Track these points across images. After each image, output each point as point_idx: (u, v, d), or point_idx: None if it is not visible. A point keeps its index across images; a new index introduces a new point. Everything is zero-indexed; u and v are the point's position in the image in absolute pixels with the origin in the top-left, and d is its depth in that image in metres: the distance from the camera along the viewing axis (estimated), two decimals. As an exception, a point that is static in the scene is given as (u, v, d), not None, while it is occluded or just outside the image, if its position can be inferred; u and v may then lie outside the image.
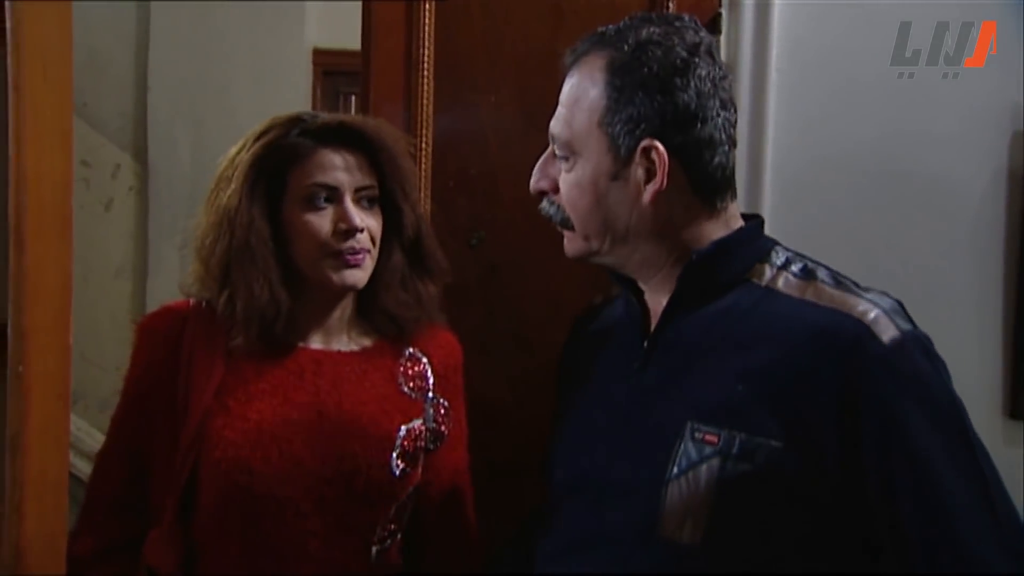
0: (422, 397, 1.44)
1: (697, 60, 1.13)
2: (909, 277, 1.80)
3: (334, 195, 1.35)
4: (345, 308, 1.43)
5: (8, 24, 1.15)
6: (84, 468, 3.24)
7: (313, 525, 1.32)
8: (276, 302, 1.33)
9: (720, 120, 1.14)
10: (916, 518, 1.02)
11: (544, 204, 1.23)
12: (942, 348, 1.64)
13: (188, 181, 3.58)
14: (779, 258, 1.17)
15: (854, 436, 1.03)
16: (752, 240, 1.19)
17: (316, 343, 1.41)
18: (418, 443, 1.39)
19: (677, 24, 1.16)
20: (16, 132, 1.26)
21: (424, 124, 1.81)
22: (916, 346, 1.07)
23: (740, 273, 1.15)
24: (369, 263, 1.37)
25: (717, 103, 1.14)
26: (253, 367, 1.37)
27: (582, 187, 1.16)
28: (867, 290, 1.12)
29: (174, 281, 4.06)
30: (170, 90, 3.59)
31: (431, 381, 1.45)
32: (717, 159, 1.15)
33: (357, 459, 1.34)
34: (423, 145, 1.80)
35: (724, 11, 1.83)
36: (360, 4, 1.85)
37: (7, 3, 1.14)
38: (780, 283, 1.13)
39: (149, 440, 1.36)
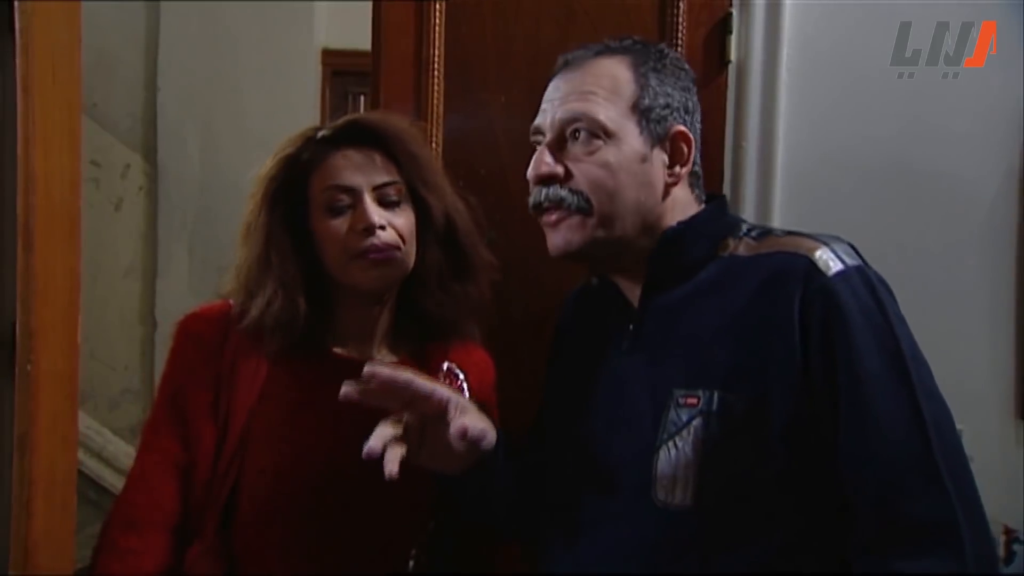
0: None
1: (690, 72, 1.28)
2: (919, 276, 1.79)
3: (353, 196, 1.33)
4: (383, 317, 1.41)
5: (17, 25, 1.16)
6: (92, 466, 3.27)
7: (351, 534, 1.31)
8: (293, 310, 1.32)
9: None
10: (849, 439, 1.05)
11: (546, 191, 1.20)
12: (952, 348, 1.64)
13: (197, 181, 3.59)
14: (742, 230, 1.23)
15: (808, 366, 1.07)
16: (716, 218, 1.25)
17: (356, 352, 1.39)
18: None
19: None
20: (25, 132, 1.27)
21: (434, 124, 1.80)
22: (860, 278, 1.10)
23: (710, 249, 1.20)
24: (400, 261, 1.34)
25: (700, 115, 1.28)
26: (293, 376, 1.35)
27: (612, 169, 1.18)
28: (819, 233, 1.17)
29: (183, 281, 4.07)
30: (180, 90, 3.60)
31: (468, 396, 1.44)
32: (699, 155, 1.26)
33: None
34: (433, 145, 1.80)
35: (735, 10, 1.83)
36: (370, 4, 1.85)
37: (16, 4, 1.15)
38: (741, 248, 1.19)
39: (189, 449, 1.32)
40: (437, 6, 1.80)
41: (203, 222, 3.56)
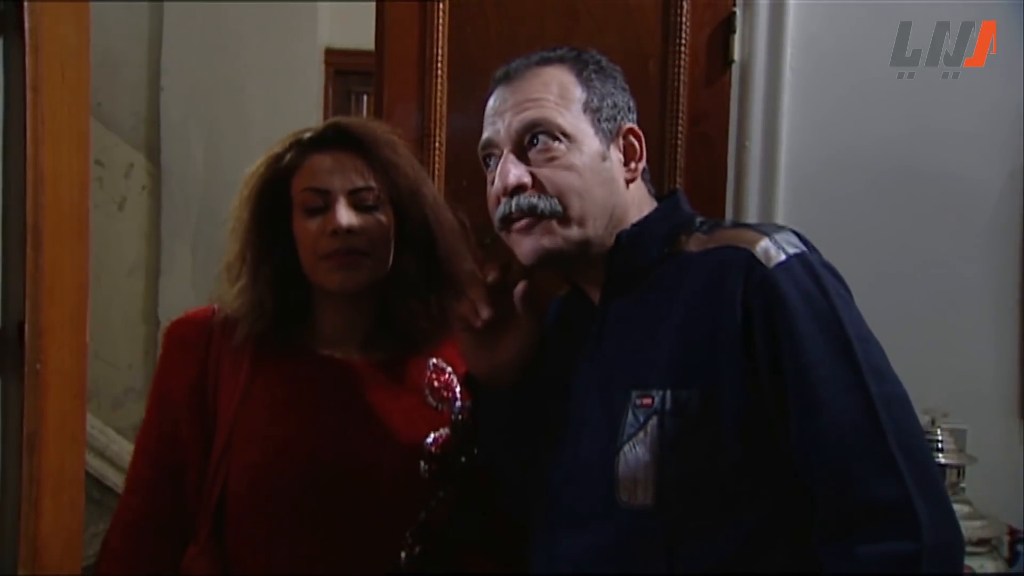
0: (449, 407, 1.43)
1: (623, 74, 1.28)
2: (923, 277, 1.79)
3: (327, 199, 1.34)
4: (367, 317, 1.42)
5: (26, 25, 1.16)
6: (97, 466, 3.27)
7: (341, 531, 1.31)
8: (259, 301, 1.34)
9: None
10: (799, 427, 1.05)
11: (516, 201, 1.19)
12: (956, 349, 1.64)
13: (201, 180, 3.60)
14: (695, 224, 1.23)
15: (753, 358, 1.07)
16: (670, 215, 1.25)
17: (340, 352, 1.40)
18: (445, 449, 1.39)
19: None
20: (33, 132, 1.27)
21: (438, 124, 1.81)
22: (801, 266, 1.11)
23: (663, 247, 1.21)
24: (368, 266, 1.35)
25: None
26: (279, 375, 1.37)
27: (578, 170, 1.18)
28: (764, 224, 1.20)
29: (187, 280, 4.08)
30: (183, 90, 3.61)
31: (458, 390, 1.45)
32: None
33: (384, 467, 1.33)
34: (437, 145, 1.80)
35: (739, 10, 1.83)
36: (373, 4, 1.85)
37: (25, 4, 1.15)
38: (691, 244, 1.19)
39: (180, 451, 1.34)
40: (440, 6, 1.80)
41: (206, 221, 3.57)
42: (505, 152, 1.20)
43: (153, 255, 3.65)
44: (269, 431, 1.32)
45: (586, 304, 1.27)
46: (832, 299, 1.09)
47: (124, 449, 3.36)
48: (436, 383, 1.43)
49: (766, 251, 1.11)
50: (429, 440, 1.38)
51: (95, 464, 3.27)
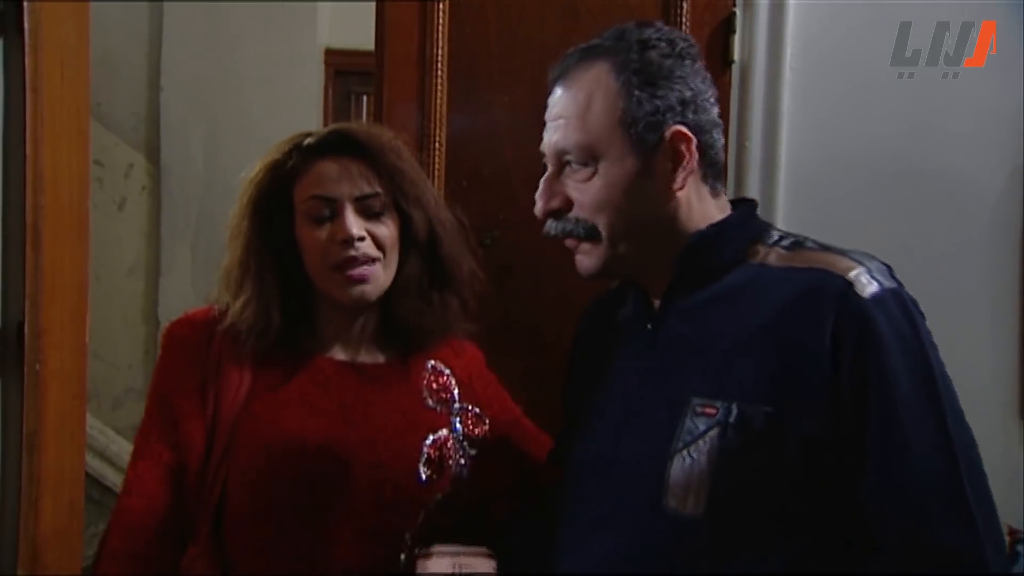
0: (447, 409, 1.44)
1: (694, 51, 1.20)
2: (923, 276, 1.77)
3: (334, 207, 1.34)
4: (368, 320, 1.42)
5: (26, 25, 1.16)
6: (96, 465, 3.27)
7: (342, 533, 1.31)
8: (267, 318, 1.34)
9: (716, 105, 1.21)
10: (876, 464, 1.04)
11: (554, 225, 1.21)
12: (956, 349, 1.63)
13: (201, 181, 3.60)
14: (772, 237, 1.20)
15: (837, 387, 1.06)
16: (745, 222, 1.23)
17: (340, 355, 1.41)
18: (444, 451, 1.39)
19: (659, 24, 1.23)
20: (33, 132, 1.27)
21: (438, 124, 1.81)
22: (895, 302, 1.09)
23: (736, 254, 1.18)
24: (379, 274, 1.36)
25: (713, 88, 1.21)
26: (280, 376, 1.37)
27: (610, 190, 1.16)
28: (855, 251, 1.15)
29: (186, 280, 4.08)
30: (183, 90, 3.60)
31: (456, 392, 1.45)
32: (719, 140, 1.21)
33: (384, 468, 1.34)
34: (436, 145, 1.80)
35: (739, 10, 1.83)
36: (373, 4, 1.85)
37: (25, 4, 1.15)
38: (772, 258, 1.17)
39: (179, 453, 1.34)
40: (440, 6, 1.80)
41: (206, 221, 3.57)
42: (548, 171, 1.21)
43: (153, 255, 3.65)
44: (270, 433, 1.32)
45: (638, 299, 1.25)
46: (922, 339, 1.08)
47: (124, 449, 3.35)
48: (434, 385, 1.44)
49: (860, 281, 1.08)
50: (428, 442, 1.38)
51: (95, 464, 3.27)
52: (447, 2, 1.80)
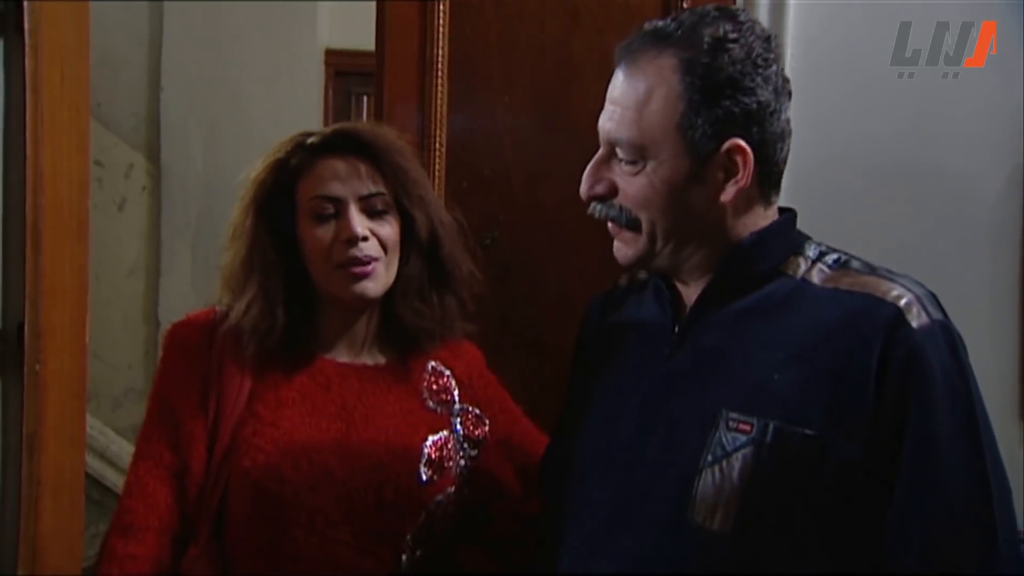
0: (448, 410, 1.44)
1: (771, 56, 1.13)
2: (923, 277, 1.78)
3: (339, 206, 1.34)
4: (369, 321, 1.42)
5: (26, 25, 1.16)
6: (96, 466, 3.28)
7: (343, 534, 1.31)
8: (271, 318, 1.34)
9: (786, 112, 1.17)
10: (909, 495, 1.03)
11: (599, 207, 1.18)
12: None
13: (201, 181, 3.60)
14: (813, 251, 1.17)
15: (878, 416, 1.04)
16: (786, 232, 1.20)
17: (342, 356, 1.41)
18: (444, 452, 1.39)
19: (742, 18, 1.15)
20: (33, 132, 1.27)
21: (438, 124, 1.81)
22: (944, 335, 1.07)
23: (775, 265, 1.16)
24: (382, 272, 1.36)
25: (784, 96, 1.16)
26: (281, 377, 1.37)
27: (656, 189, 1.13)
28: (902, 276, 1.13)
29: (186, 280, 4.08)
30: (183, 90, 3.61)
31: (456, 393, 1.45)
32: (784, 152, 1.17)
33: (385, 469, 1.34)
34: (437, 145, 1.80)
35: (738, 11, 1.83)
36: (373, 4, 1.85)
37: (25, 4, 1.15)
38: (815, 275, 1.14)
39: (181, 454, 1.34)
40: (441, 6, 1.80)
41: (206, 222, 3.57)
42: (599, 153, 1.17)
43: (153, 255, 3.65)
44: (271, 434, 1.32)
45: (662, 300, 1.23)
46: (967, 376, 1.07)
47: (124, 450, 3.36)
48: (435, 386, 1.44)
49: (912, 311, 1.06)
50: (428, 443, 1.38)
51: (95, 465, 3.27)
52: (447, 2, 1.80)
